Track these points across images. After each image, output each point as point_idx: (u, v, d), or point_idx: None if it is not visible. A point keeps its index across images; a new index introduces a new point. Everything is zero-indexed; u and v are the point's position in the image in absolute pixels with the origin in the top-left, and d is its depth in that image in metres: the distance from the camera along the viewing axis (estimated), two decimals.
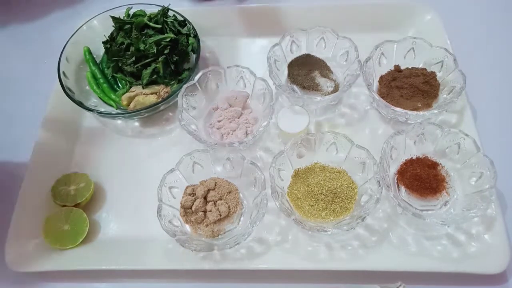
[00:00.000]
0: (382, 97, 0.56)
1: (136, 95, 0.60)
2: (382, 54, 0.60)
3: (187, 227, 0.51)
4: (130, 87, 0.62)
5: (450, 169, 0.52)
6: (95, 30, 0.66)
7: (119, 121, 0.63)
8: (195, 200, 0.51)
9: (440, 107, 0.54)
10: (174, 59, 0.62)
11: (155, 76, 0.61)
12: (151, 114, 0.61)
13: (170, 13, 0.65)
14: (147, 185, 0.54)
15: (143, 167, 0.58)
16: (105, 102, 0.63)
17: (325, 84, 0.60)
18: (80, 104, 0.58)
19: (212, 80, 0.60)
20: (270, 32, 0.66)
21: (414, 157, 0.53)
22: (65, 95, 0.59)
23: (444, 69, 0.57)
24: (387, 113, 0.57)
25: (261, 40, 0.68)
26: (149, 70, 0.60)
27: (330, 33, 0.61)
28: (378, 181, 0.47)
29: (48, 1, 0.81)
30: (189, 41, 0.63)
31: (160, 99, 0.59)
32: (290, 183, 0.52)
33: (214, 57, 0.68)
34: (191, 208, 0.51)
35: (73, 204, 0.54)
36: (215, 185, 0.52)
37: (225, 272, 0.49)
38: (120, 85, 0.64)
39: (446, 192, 0.51)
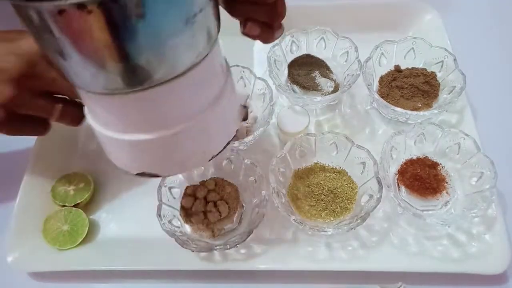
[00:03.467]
0: (382, 97, 0.56)
1: None
2: (382, 54, 0.60)
3: (187, 227, 0.51)
4: None
5: (450, 169, 0.52)
6: None
7: None
8: (195, 201, 0.51)
9: (440, 107, 0.54)
10: None
11: None
12: None
13: None
14: (147, 185, 0.54)
15: None
16: None
17: (325, 84, 0.60)
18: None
19: None
20: None
21: (414, 157, 0.53)
22: None
23: (444, 69, 0.57)
24: (387, 113, 0.57)
25: None
26: None
27: (330, 33, 0.61)
28: (379, 181, 0.47)
29: None
30: None
31: None
32: (290, 184, 0.52)
33: None
34: (191, 209, 0.51)
35: (73, 204, 0.54)
36: (215, 185, 0.52)
37: (225, 272, 0.49)
38: None
39: (447, 192, 0.51)
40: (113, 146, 0.33)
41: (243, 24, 0.36)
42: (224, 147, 0.36)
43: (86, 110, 0.34)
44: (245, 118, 0.39)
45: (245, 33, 0.37)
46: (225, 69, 0.35)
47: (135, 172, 0.35)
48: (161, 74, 0.27)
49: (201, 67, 0.29)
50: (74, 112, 0.45)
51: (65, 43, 0.24)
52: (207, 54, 0.30)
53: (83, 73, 0.26)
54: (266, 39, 0.37)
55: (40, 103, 0.43)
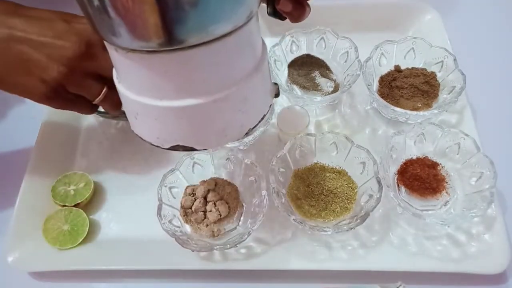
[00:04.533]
0: (382, 97, 0.56)
1: None
2: (382, 54, 0.60)
3: (187, 227, 0.51)
4: None
5: (450, 169, 0.52)
6: None
7: (119, 121, 0.63)
8: (195, 200, 0.51)
9: (440, 107, 0.54)
10: None
11: None
12: None
13: None
14: (147, 185, 0.54)
15: (143, 167, 0.58)
16: None
17: (325, 84, 0.60)
18: None
19: None
20: (270, 32, 0.66)
21: (414, 157, 0.53)
22: None
23: (444, 69, 0.57)
24: (387, 113, 0.57)
25: None
26: None
27: (330, 33, 0.61)
28: (379, 181, 0.47)
29: (50, 2, 0.81)
30: None
31: None
32: (290, 183, 0.52)
33: None
34: (191, 208, 0.51)
35: (73, 204, 0.54)
36: (215, 185, 0.52)
37: (225, 272, 0.49)
38: None
39: (446, 192, 0.51)
40: (147, 116, 0.32)
41: (276, 0, 0.36)
42: (259, 122, 0.36)
43: (117, 79, 0.33)
44: (277, 95, 0.39)
45: (276, 11, 0.37)
46: (262, 42, 0.35)
47: (168, 146, 0.33)
48: (204, 34, 0.27)
49: (245, 30, 0.29)
50: (117, 98, 0.46)
51: None
52: (249, 20, 0.30)
53: (126, 27, 0.26)
54: (297, 17, 0.37)
55: (88, 84, 0.44)
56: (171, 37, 0.26)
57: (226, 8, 0.27)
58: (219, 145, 0.35)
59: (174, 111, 0.31)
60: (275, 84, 0.39)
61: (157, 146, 0.34)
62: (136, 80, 0.31)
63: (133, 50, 0.28)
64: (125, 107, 0.35)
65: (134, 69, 0.30)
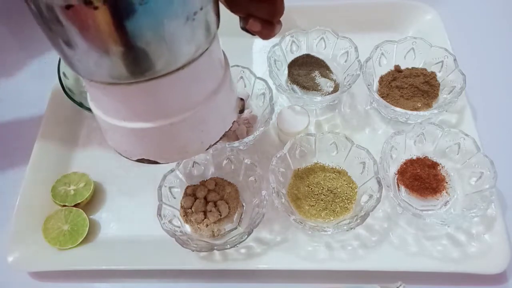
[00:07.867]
0: (382, 97, 0.56)
1: None
2: (382, 54, 0.60)
3: (187, 227, 0.51)
4: None
5: (450, 169, 0.52)
6: None
7: None
8: (195, 200, 0.51)
9: (440, 107, 0.54)
10: None
11: None
12: None
13: None
14: (147, 185, 0.54)
15: (143, 167, 0.58)
16: None
17: (325, 84, 0.60)
18: (80, 104, 0.58)
19: None
20: None
21: (414, 157, 0.53)
22: (65, 95, 0.58)
23: (444, 69, 0.58)
24: (387, 113, 0.57)
25: (261, 40, 0.68)
26: None
27: (330, 33, 0.61)
28: (379, 181, 0.47)
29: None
30: None
31: None
32: (290, 183, 0.52)
33: None
34: (191, 208, 0.51)
35: (73, 204, 0.54)
36: (215, 185, 0.52)
37: (225, 272, 0.49)
38: None
39: (446, 192, 0.51)
40: (114, 133, 0.34)
41: (245, 20, 0.36)
42: (221, 138, 0.37)
43: (89, 97, 0.35)
44: (241, 111, 0.40)
45: (246, 29, 0.37)
46: (223, 63, 0.36)
47: (135, 158, 0.36)
48: (161, 67, 0.28)
49: (200, 61, 0.30)
50: None
51: (73, 36, 0.25)
52: (206, 49, 0.31)
53: (89, 63, 0.27)
54: (266, 35, 0.38)
55: None
56: (132, 72, 0.27)
57: (183, 43, 0.28)
58: (182, 159, 0.37)
59: (135, 132, 0.33)
60: (241, 99, 0.40)
61: (126, 157, 0.36)
62: (100, 102, 0.33)
63: (94, 81, 0.29)
64: (97, 123, 0.37)
65: (97, 94, 0.32)
